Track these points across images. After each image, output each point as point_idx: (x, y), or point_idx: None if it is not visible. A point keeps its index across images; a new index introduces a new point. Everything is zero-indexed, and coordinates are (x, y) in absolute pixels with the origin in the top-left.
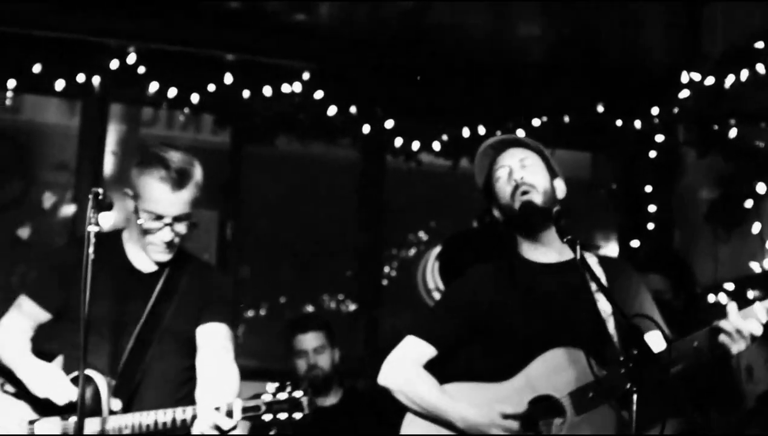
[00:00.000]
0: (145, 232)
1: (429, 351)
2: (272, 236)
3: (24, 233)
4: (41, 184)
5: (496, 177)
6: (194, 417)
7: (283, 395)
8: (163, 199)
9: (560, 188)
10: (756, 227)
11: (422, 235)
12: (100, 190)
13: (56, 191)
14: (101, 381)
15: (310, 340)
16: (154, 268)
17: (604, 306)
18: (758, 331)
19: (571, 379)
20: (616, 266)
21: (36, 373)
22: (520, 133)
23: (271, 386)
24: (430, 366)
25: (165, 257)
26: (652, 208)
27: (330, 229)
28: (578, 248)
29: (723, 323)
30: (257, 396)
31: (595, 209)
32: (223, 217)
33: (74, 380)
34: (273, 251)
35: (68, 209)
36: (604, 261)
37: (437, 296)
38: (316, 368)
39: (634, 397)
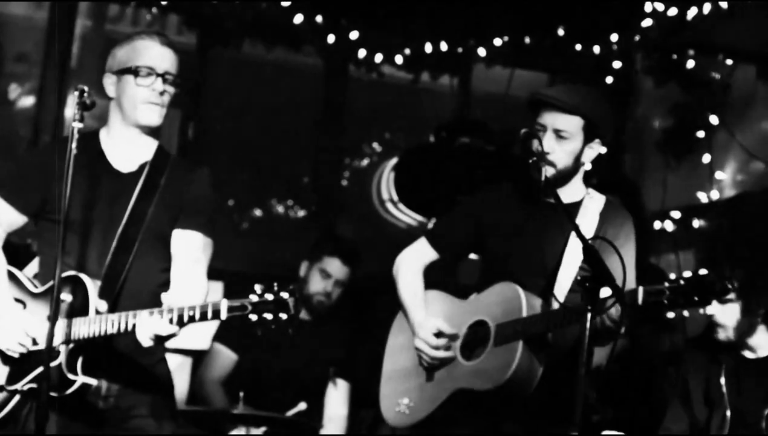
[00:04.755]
0: (138, 94)
1: (432, 255)
2: (232, 138)
3: None
4: (6, 75)
5: (535, 128)
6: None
7: (269, 296)
8: (154, 52)
9: (587, 155)
10: (706, 158)
11: (376, 146)
12: (86, 88)
13: (19, 82)
14: (90, 283)
15: (341, 270)
16: (133, 167)
17: (569, 257)
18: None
19: (504, 312)
20: (616, 213)
21: (7, 323)
22: (481, 51)
23: (258, 287)
24: None
25: (157, 118)
26: None
27: (290, 135)
28: (543, 170)
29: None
30: (244, 296)
31: None
32: (186, 116)
33: (63, 281)
34: (232, 153)
35: (27, 101)
36: (609, 203)
37: (390, 206)
38: (328, 297)
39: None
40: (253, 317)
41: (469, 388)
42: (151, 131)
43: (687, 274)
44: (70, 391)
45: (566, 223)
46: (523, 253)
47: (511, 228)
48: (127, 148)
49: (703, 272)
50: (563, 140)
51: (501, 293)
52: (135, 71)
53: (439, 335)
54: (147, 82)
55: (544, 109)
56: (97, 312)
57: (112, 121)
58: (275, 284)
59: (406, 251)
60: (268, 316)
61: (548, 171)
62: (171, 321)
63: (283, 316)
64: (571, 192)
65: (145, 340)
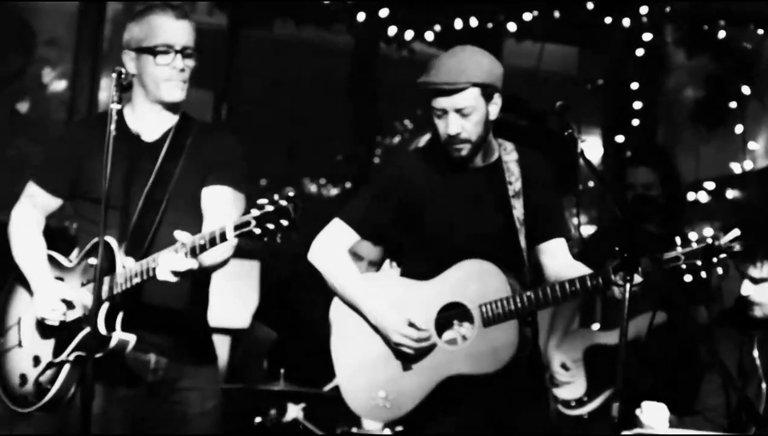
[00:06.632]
0: (159, 73)
1: (353, 237)
2: (264, 118)
3: (23, 107)
4: (39, 60)
5: (434, 112)
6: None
7: (269, 207)
8: (170, 28)
9: (493, 112)
10: (739, 128)
11: (408, 123)
12: (123, 70)
13: (51, 66)
14: (114, 243)
15: (373, 251)
16: (158, 135)
17: (518, 214)
18: None
19: (484, 291)
20: (532, 158)
21: (43, 293)
22: (511, 26)
23: (262, 201)
24: None
25: (180, 93)
26: (637, 104)
27: (321, 113)
28: (580, 143)
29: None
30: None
31: (580, 104)
32: (218, 98)
33: (92, 247)
34: (264, 133)
35: (59, 84)
36: (521, 151)
37: None
38: None
39: (628, 287)
40: (257, 231)
41: (462, 374)
42: (175, 104)
43: (694, 236)
44: (110, 347)
45: (495, 185)
46: (467, 223)
47: (440, 199)
48: (152, 120)
49: (708, 231)
50: (468, 116)
51: (472, 272)
52: (153, 51)
53: (411, 324)
54: (166, 61)
55: (436, 95)
56: (123, 268)
57: (136, 97)
58: (275, 195)
59: (323, 237)
60: (270, 226)
61: (464, 150)
62: (186, 255)
63: (284, 222)
64: (486, 151)
65: (164, 275)
